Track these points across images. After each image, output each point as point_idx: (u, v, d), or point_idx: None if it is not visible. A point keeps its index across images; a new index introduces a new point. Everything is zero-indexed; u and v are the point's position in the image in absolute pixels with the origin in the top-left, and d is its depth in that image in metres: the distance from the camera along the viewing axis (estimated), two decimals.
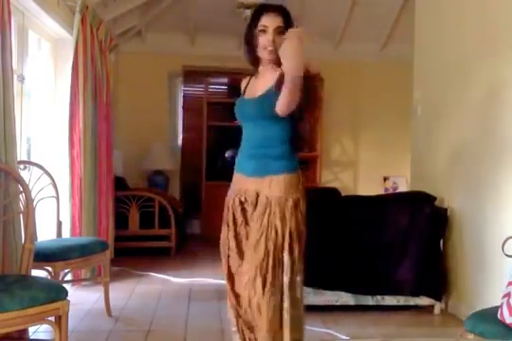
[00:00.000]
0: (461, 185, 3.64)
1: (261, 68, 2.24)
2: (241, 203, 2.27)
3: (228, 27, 6.36)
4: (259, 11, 2.13)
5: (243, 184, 2.27)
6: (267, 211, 2.16)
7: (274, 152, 2.20)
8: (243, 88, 2.34)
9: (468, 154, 3.55)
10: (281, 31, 2.07)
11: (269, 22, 2.09)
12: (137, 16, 6.07)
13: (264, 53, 2.13)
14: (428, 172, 4.19)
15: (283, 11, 2.13)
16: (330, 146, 7.18)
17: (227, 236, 2.29)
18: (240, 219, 2.25)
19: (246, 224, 2.24)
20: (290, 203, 2.14)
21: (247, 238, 2.23)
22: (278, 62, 2.08)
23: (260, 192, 2.21)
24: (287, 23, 2.11)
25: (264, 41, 2.10)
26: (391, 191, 7.02)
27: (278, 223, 2.13)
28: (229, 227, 2.28)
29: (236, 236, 2.26)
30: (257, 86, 2.24)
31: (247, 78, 2.35)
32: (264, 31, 2.10)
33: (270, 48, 2.09)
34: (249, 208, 2.25)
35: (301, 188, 2.20)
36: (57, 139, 4.22)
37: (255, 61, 2.20)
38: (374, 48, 6.95)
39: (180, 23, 6.43)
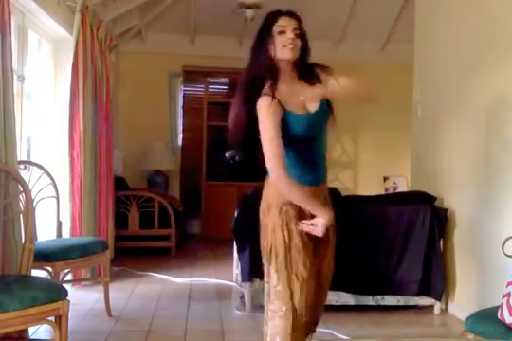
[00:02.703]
0: (461, 185, 3.64)
1: (283, 77, 2.15)
2: None
3: (228, 27, 6.37)
4: (274, 15, 2.15)
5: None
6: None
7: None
8: (277, 98, 2.12)
9: (468, 154, 3.55)
10: (296, 33, 2.11)
11: (286, 22, 2.11)
12: (137, 16, 6.08)
13: (284, 52, 2.09)
14: (428, 172, 4.19)
15: (295, 15, 2.17)
16: (330, 146, 7.14)
17: None
18: None
19: None
20: None
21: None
22: (299, 68, 2.14)
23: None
24: (301, 26, 2.15)
25: (284, 40, 2.08)
26: (391, 191, 7.02)
27: None
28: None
29: None
30: (301, 100, 2.15)
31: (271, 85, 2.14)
32: (282, 32, 2.10)
33: (291, 46, 2.08)
34: None
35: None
36: (57, 139, 4.22)
37: (272, 67, 2.11)
38: (374, 48, 6.95)
39: (180, 23, 6.43)
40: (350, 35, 6.74)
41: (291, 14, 2.15)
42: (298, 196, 2.08)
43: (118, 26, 5.87)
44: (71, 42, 4.06)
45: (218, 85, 7.27)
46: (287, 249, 2.10)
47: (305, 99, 2.14)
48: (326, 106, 2.18)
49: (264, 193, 2.23)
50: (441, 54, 4.02)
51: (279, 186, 2.09)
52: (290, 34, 2.09)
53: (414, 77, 4.52)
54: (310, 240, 2.15)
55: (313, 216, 2.12)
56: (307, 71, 2.18)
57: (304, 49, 2.15)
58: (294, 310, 2.10)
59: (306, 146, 2.19)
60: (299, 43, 2.11)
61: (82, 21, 4.09)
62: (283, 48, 2.09)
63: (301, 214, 2.12)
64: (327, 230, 2.17)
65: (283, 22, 2.11)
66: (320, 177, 2.26)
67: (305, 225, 2.11)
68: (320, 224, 2.08)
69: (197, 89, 7.14)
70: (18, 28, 3.59)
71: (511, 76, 3.09)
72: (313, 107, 2.15)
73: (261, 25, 2.15)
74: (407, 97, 4.82)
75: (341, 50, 6.91)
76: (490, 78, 3.32)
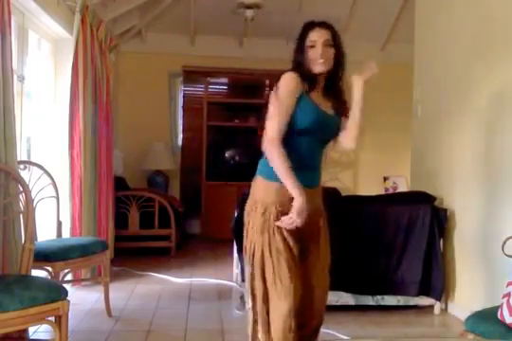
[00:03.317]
0: (461, 185, 3.64)
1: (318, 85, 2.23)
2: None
3: (228, 27, 6.37)
4: (306, 28, 2.20)
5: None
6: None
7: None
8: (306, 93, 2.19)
9: (469, 154, 3.55)
10: (328, 44, 2.17)
11: (317, 36, 2.16)
12: (137, 16, 6.07)
13: (315, 66, 2.15)
14: (428, 172, 4.19)
15: (328, 26, 2.21)
16: (330, 146, 7.16)
17: None
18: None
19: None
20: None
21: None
22: (327, 80, 2.22)
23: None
24: (334, 36, 2.21)
25: (313, 54, 2.15)
26: (391, 191, 7.02)
27: None
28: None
29: None
30: (325, 103, 2.24)
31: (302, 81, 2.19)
32: (313, 46, 2.15)
33: (321, 61, 2.14)
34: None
35: None
36: (57, 139, 4.22)
37: (308, 75, 2.17)
38: (374, 48, 6.95)
39: (180, 23, 6.43)
40: (350, 35, 6.72)
41: (322, 25, 2.19)
42: (280, 167, 2.07)
43: (118, 26, 5.87)
44: (71, 42, 4.06)
45: (218, 85, 7.27)
46: (269, 249, 2.10)
47: (324, 105, 2.23)
48: (338, 118, 2.27)
49: (251, 192, 2.23)
50: (441, 54, 4.03)
51: (268, 151, 2.10)
52: (319, 49, 2.15)
53: (414, 77, 4.52)
54: (296, 241, 2.12)
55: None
56: (334, 88, 2.26)
57: (339, 60, 2.22)
58: (268, 311, 2.11)
59: (308, 142, 2.19)
60: (331, 54, 2.18)
61: (82, 21, 4.09)
62: (314, 61, 2.15)
63: (286, 214, 2.08)
64: (318, 229, 2.21)
65: (313, 36, 2.16)
66: (314, 180, 2.26)
67: (285, 221, 2.06)
68: (293, 210, 2.04)
69: (197, 89, 7.14)
70: (18, 28, 3.59)
71: (511, 76, 3.09)
72: (329, 111, 2.24)
73: (296, 39, 2.22)
74: (407, 97, 4.82)
75: None
76: (490, 78, 3.32)
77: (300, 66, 2.16)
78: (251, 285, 2.17)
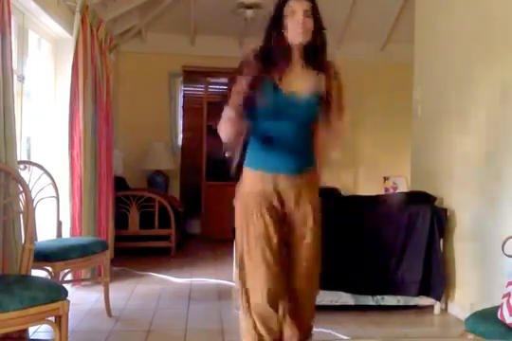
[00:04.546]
0: (461, 185, 3.64)
1: (292, 60, 2.14)
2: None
3: (228, 27, 6.36)
4: None
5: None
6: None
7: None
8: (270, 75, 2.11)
9: (468, 154, 3.55)
10: (308, 15, 2.08)
11: (298, 5, 2.09)
12: (137, 16, 6.07)
13: (295, 36, 2.08)
14: (428, 172, 4.19)
15: None
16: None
17: None
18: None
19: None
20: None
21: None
22: (307, 51, 2.10)
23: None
24: (314, 8, 2.12)
25: (293, 24, 2.07)
26: (391, 191, 7.02)
27: None
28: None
29: None
30: (296, 83, 2.13)
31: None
32: (293, 14, 2.08)
33: (300, 31, 2.07)
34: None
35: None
36: (57, 139, 4.22)
37: (282, 48, 2.10)
38: (374, 48, 6.95)
39: (180, 23, 6.42)
40: (350, 35, 6.74)
41: None
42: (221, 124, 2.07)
43: (118, 26, 5.86)
44: (71, 42, 4.06)
45: (218, 85, 7.27)
46: (247, 233, 2.13)
47: (299, 82, 2.12)
48: (317, 98, 2.12)
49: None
50: (441, 54, 4.02)
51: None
52: (300, 17, 2.07)
53: (414, 77, 4.52)
54: (277, 230, 2.12)
55: (279, 202, 2.14)
56: (315, 58, 2.14)
57: (317, 32, 2.12)
58: (247, 291, 2.13)
59: (278, 125, 2.14)
60: (310, 25, 2.08)
61: (82, 21, 4.09)
62: (293, 32, 2.07)
63: (264, 201, 2.12)
64: (304, 221, 2.17)
65: (293, 4, 2.08)
66: (294, 163, 2.17)
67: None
68: None
69: (197, 89, 7.14)
70: (18, 28, 3.59)
71: (511, 76, 3.09)
72: (301, 91, 2.11)
73: (273, 8, 2.14)
74: (407, 97, 4.82)
75: (341, 50, 6.89)
76: (490, 77, 3.32)
77: (276, 36, 2.09)
78: (236, 272, 2.21)
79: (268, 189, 2.14)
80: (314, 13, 2.10)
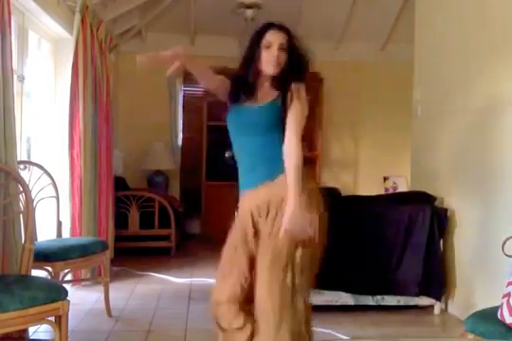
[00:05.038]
0: (461, 185, 3.64)
1: (259, 82, 2.27)
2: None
3: (228, 28, 6.36)
4: (264, 27, 2.22)
5: None
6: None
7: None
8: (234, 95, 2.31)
9: (468, 154, 3.55)
10: (283, 48, 2.18)
11: (274, 38, 2.18)
12: (137, 16, 6.07)
13: (268, 68, 2.19)
14: (428, 172, 4.19)
15: (285, 30, 2.22)
16: (330, 146, 7.17)
17: None
18: None
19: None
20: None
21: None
22: (277, 81, 2.20)
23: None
24: (291, 40, 2.21)
25: (267, 56, 2.17)
26: (391, 191, 7.02)
27: None
28: None
29: None
30: (255, 98, 2.25)
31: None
32: (268, 47, 2.18)
33: (273, 64, 2.17)
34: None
35: None
36: (57, 139, 4.22)
37: (254, 74, 2.23)
38: (374, 48, 6.95)
39: (180, 23, 6.42)
40: (350, 35, 6.74)
41: (281, 28, 2.21)
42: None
43: (118, 26, 5.86)
44: (71, 42, 4.06)
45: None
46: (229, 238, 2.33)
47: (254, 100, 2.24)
48: (270, 108, 2.19)
49: None
50: (441, 54, 4.02)
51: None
52: (274, 51, 2.17)
53: (414, 77, 4.52)
54: (243, 242, 2.23)
55: (251, 217, 2.20)
56: (281, 84, 2.22)
57: (291, 63, 2.20)
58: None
59: (236, 144, 2.29)
60: (283, 58, 2.18)
61: (82, 21, 4.09)
62: (267, 64, 2.18)
63: (242, 219, 2.24)
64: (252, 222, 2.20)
65: (270, 37, 2.19)
66: (253, 179, 2.22)
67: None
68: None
69: (197, 89, 7.13)
70: (18, 28, 3.59)
71: (511, 75, 3.09)
72: (259, 102, 2.23)
73: (251, 37, 2.24)
74: (407, 97, 4.82)
75: (341, 50, 6.90)
76: (490, 77, 3.32)
77: (249, 65, 2.21)
78: None
79: (243, 207, 2.26)
80: (290, 45, 2.20)
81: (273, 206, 2.15)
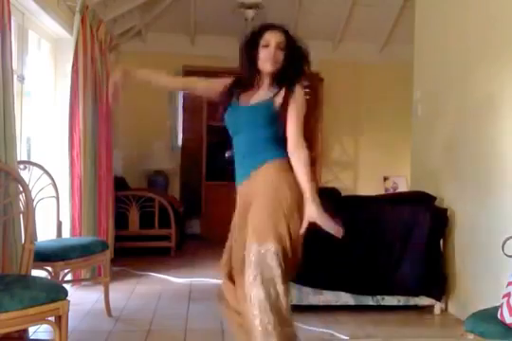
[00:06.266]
0: (461, 185, 3.64)
1: (258, 82, 2.34)
2: None
3: (228, 28, 6.36)
4: (263, 28, 2.31)
5: None
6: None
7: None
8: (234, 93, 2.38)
9: (468, 155, 3.55)
10: (280, 47, 2.25)
11: (272, 37, 2.26)
12: (137, 16, 6.07)
13: (265, 66, 2.27)
14: (428, 172, 4.19)
15: (284, 30, 2.30)
16: (330, 146, 7.17)
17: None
18: None
19: None
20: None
21: None
22: (275, 78, 2.28)
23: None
24: (289, 40, 2.29)
25: (265, 55, 2.25)
26: (391, 191, 7.02)
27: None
28: None
29: None
30: (252, 97, 2.33)
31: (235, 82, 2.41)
32: (266, 46, 2.26)
33: (271, 61, 2.25)
34: None
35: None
36: (57, 139, 4.22)
37: (253, 74, 2.32)
38: (374, 48, 6.95)
39: (180, 23, 6.43)
40: (350, 35, 6.74)
41: (279, 28, 2.29)
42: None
43: (118, 26, 5.87)
44: (71, 42, 4.06)
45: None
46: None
47: (255, 95, 2.31)
48: (270, 104, 2.25)
49: None
50: (441, 54, 4.02)
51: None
52: (272, 49, 2.25)
53: (414, 77, 4.52)
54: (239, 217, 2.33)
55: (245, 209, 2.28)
56: (279, 82, 2.30)
57: (289, 62, 2.27)
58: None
59: (236, 141, 2.36)
60: (281, 56, 2.26)
61: (82, 21, 4.09)
62: (265, 62, 2.26)
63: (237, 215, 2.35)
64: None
65: (268, 36, 2.27)
66: (247, 170, 2.31)
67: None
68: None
69: None
70: (18, 28, 3.59)
71: (510, 75, 3.09)
72: (254, 100, 2.30)
73: (250, 37, 2.33)
74: (407, 97, 4.82)
75: (341, 50, 6.91)
76: (490, 77, 3.32)
77: (248, 65, 2.29)
78: None
79: (240, 202, 2.35)
80: (288, 45, 2.27)
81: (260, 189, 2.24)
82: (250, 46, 2.30)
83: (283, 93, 2.25)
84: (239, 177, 2.34)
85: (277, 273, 2.10)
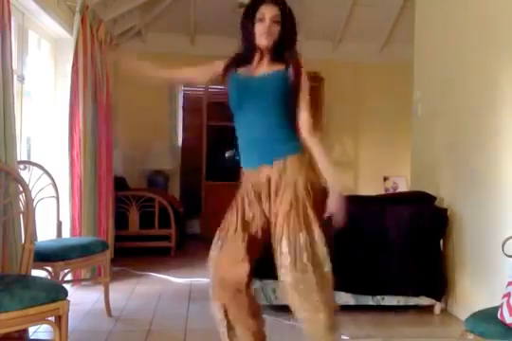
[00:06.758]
0: (461, 185, 3.64)
1: (257, 56, 2.32)
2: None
3: (228, 28, 6.33)
4: (258, 2, 2.30)
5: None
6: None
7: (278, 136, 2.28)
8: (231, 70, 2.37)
9: (468, 154, 3.55)
10: (276, 20, 2.25)
11: (267, 11, 2.26)
12: (137, 16, 6.07)
13: (261, 40, 2.25)
14: (428, 172, 4.19)
15: (278, 3, 2.29)
16: (330, 146, 7.17)
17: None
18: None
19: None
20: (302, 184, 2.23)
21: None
22: (273, 51, 2.26)
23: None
24: (284, 13, 2.29)
25: (260, 29, 2.24)
26: (391, 191, 7.02)
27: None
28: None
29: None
30: (258, 69, 2.30)
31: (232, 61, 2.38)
32: (261, 20, 2.26)
33: (266, 35, 2.24)
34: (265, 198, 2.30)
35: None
36: (57, 139, 4.22)
37: (252, 48, 2.29)
38: (374, 48, 6.95)
39: (180, 23, 6.43)
40: (350, 35, 6.74)
41: (274, 2, 2.28)
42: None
43: (118, 26, 5.87)
44: (71, 42, 4.06)
45: (218, 85, 7.26)
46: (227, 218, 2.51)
47: (259, 66, 2.29)
48: (282, 77, 2.23)
49: None
50: (441, 54, 4.02)
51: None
52: (267, 22, 2.24)
53: (414, 77, 4.52)
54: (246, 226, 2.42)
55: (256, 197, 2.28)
56: (280, 56, 2.28)
57: (284, 35, 2.26)
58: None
59: (244, 118, 2.30)
60: (276, 30, 2.24)
61: (82, 21, 4.09)
62: (260, 36, 2.25)
63: (245, 198, 2.35)
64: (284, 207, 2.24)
65: (263, 10, 2.26)
66: (253, 160, 2.29)
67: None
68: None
69: (197, 89, 7.14)
70: (18, 28, 3.59)
71: (511, 76, 3.09)
72: (260, 72, 2.28)
73: (245, 11, 2.34)
74: (407, 97, 4.82)
75: (341, 50, 6.91)
76: (490, 77, 3.32)
77: (245, 39, 2.29)
78: None
79: (248, 186, 2.32)
80: (283, 18, 2.27)
81: (287, 182, 2.22)
82: (247, 21, 2.30)
83: (292, 70, 2.23)
84: (252, 162, 2.29)
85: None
